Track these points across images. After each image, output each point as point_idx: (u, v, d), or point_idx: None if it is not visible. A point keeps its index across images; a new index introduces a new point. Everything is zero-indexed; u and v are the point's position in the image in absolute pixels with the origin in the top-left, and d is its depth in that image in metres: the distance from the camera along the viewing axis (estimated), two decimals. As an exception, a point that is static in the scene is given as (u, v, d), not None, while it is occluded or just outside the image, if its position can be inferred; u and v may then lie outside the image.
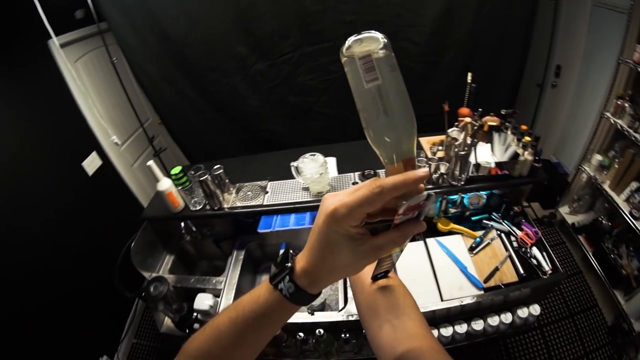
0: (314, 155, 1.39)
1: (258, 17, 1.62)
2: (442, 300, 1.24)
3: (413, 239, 1.50)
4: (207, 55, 1.70)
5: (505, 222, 1.41)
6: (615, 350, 1.25)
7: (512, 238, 1.36)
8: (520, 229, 1.37)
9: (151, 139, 2.23)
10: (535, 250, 1.31)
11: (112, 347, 1.99)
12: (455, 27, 1.64)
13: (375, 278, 0.54)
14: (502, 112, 1.35)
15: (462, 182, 1.32)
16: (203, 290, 1.48)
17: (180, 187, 1.45)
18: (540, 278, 1.23)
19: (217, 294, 1.46)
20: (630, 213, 1.35)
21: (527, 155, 1.24)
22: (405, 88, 0.34)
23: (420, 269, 1.35)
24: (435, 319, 1.27)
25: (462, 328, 1.25)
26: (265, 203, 1.45)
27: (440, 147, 1.50)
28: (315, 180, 1.37)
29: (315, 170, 1.34)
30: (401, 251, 0.45)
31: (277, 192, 1.50)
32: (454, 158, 1.30)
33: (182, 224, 1.53)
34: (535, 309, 1.25)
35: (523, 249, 1.32)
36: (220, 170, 1.47)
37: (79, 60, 1.96)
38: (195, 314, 1.46)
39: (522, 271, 1.26)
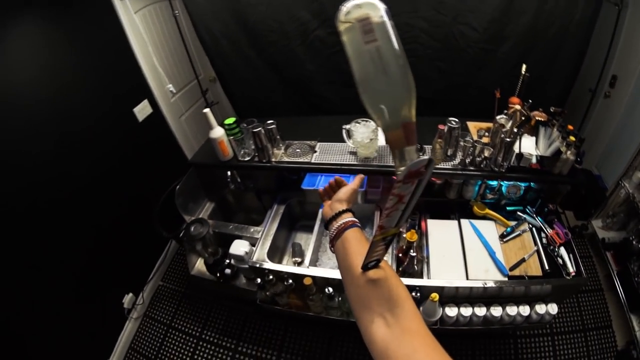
0: (366, 121, 1.44)
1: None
2: (467, 278, 1.28)
3: (447, 217, 1.54)
4: (269, 16, 1.75)
5: (539, 218, 1.42)
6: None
7: (543, 234, 1.38)
8: (552, 227, 1.39)
9: (204, 92, 2.32)
10: (562, 250, 1.32)
11: (138, 286, 2.11)
12: (515, 18, 1.64)
13: (365, 267, 0.52)
14: (551, 110, 1.37)
15: (503, 170, 1.34)
16: (240, 238, 1.56)
17: (232, 137, 1.52)
18: (563, 278, 1.25)
19: (253, 242, 1.54)
20: None
21: (569, 154, 1.25)
22: (404, 53, 0.34)
23: (451, 246, 1.40)
24: (457, 296, 1.31)
25: (481, 311, 1.28)
26: (312, 161, 1.50)
27: (486, 133, 1.53)
28: (364, 145, 1.42)
29: (367, 135, 1.38)
30: (393, 237, 0.47)
31: (325, 153, 1.55)
32: (498, 144, 1.33)
33: (229, 172, 1.60)
34: (553, 308, 1.27)
35: (551, 247, 1.34)
36: (273, 126, 1.53)
37: (140, 11, 2.02)
38: (228, 260, 1.54)
39: (547, 267, 1.28)
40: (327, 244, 1.63)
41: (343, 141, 1.49)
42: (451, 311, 1.28)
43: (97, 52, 1.76)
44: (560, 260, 1.29)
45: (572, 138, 1.23)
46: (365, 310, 0.51)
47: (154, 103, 2.14)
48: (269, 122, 1.53)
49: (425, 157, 0.34)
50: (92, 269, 1.76)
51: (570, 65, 1.77)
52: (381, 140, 1.57)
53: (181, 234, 1.55)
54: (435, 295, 1.19)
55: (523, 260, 1.30)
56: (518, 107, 1.34)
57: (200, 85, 2.34)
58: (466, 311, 1.28)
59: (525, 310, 1.28)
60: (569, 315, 1.87)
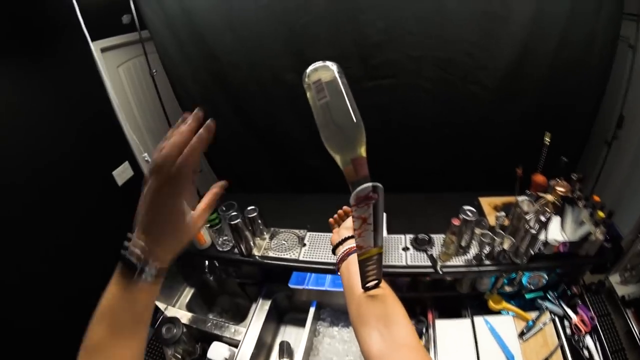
0: None
1: (313, 42, 1.44)
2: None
3: (459, 315, 1.34)
4: (253, 78, 1.55)
5: (561, 302, 1.28)
6: None
7: (566, 323, 1.25)
8: (576, 312, 1.25)
9: None
10: (588, 339, 1.19)
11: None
12: (530, 72, 1.39)
13: (365, 288, 0.56)
14: (574, 177, 1.15)
15: (525, 261, 1.15)
16: (220, 338, 1.35)
17: (208, 225, 1.32)
18: None
19: (234, 343, 1.34)
20: None
21: (598, 235, 1.10)
22: (353, 103, 0.41)
23: (463, 352, 1.20)
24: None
25: None
26: (301, 258, 1.29)
27: (504, 214, 1.29)
28: None
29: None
30: (380, 256, 0.51)
31: (316, 246, 1.35)
32: (521, 233, 1.12)
33: (207, 262, 1.40)
34: None
35: (576, 337, 1.20)
36: (255, 213, 1.32)
37: (124, 64, 1.89)
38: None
39: None
40: (319, 345, 1.41)
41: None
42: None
43: (77, 109, 1.60)
44: (586, 353, 1.17)
45: (601, 214, 1.09)
46: (363, 326, 0.54)
47: (135, 165, 1.98)
48: (250, 208, 1.33)
49: (370, 183, 0.43)
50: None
51: (587, 115, 1.53)
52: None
53: (153, 334, 1.36)
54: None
55: None
56: (550, 197, 1.10)
57: None
58: None
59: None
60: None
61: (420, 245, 1.28)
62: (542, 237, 1.14)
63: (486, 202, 1.45)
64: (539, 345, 1.20)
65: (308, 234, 1.39)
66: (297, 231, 1.41)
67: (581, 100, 1.47)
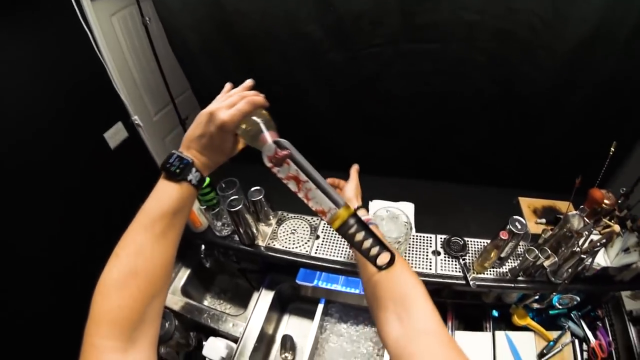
0: (397, 214, 1.00)
1: (342, -15, 1.13)
2: None
3: (480, 325, 1.22)
4: (264, 29, 1.25)
5: (583, 323, 1.22)
6: None
7: (585, 346, 1.20)
8: (595, 336, 1.20)
9: (184, 120, 1.88)
10: None
11: None
12: (594, 62, 1.15)
13: (379, 268, 0.48)
14: (622, 191, 0.99)
15: (564, 281, 1.00)
16: (216, 332, 1.22)
17: (204, 206, 1.14)
18: None
19: (233, 338, 1.21)
20: None
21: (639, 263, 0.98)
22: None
23: None
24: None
25: None
26: (313, 253, 1.10)
27: (544, 221, 1.21)
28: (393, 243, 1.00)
29: (395, 234, 0.95)
30: (359, 220, 0.47)
31: (332, 240, 1.15)
32: (566, 252, 0.97)
33: (203, 246, 1.23)
34: None
35: None
36: (260, 196, 1.12)
37: (118, 13, 1.63)
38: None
39: None
40: (324, 343, 1.28)
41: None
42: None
43: (60, 62, 1.40)
44: None
45: (616, 229, 0.95)
46: (380, 310, 0.51)
47: (129, 126, 1.76)
48: (254, 189, 1.13)
49: (272, 143, 0.46)
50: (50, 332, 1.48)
51: (636, 122, 1.31)
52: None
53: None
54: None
55: None
56: (617, 227, 0.91)
57: (178, 113, 1.87)
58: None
59: None
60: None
61: (454, 250, 1.08)
62: (589, 261, 0.98)
63: (526, 204, 1.31)
64: None
65: (322, 223, 1.20)
66: (309, 218, 1.21)
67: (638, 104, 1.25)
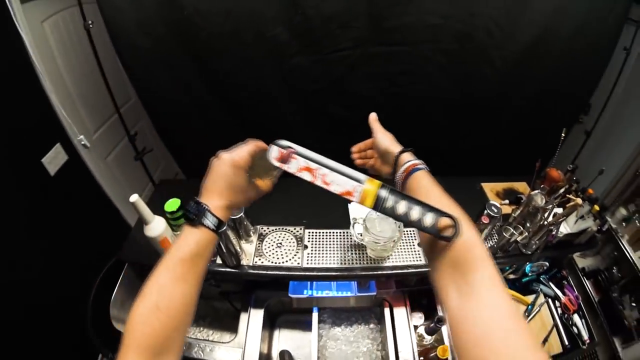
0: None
1: (311, -13, 1.11)
2: None
3: None
4: (227, 32, 1.16)
5: (552, 284, 1.36)
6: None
7: (557, 303, 1.34)
8: (564, 293, 1.35)
9: (133, 136, 1.68)
10: (576, 318, 1.30)
11: None
12: (540, 59, 1.34)
13: (445, 239, 0.43)
14: (570, 168, 1.13)
15: (533, 250, 1.15)
16: None
17: (178, 231, 1.04)
18: (580, 348, 1.23)
19: None
20: None
21: (594, 227, 1.17)
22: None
23: None
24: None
25: None
26: (305, 265, 1.06)
27: (507, 202, 1.33)
28: (380, 249, 1.00)
29: (388, 234, 0.95)
30: (388, 188, 0.47)
31: (321, 247, 1.12)
32: (534, 226, 1.09)
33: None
34: None
35: (566, 316, 1.30)
36: (240, 214, 1.05)
37: (50, 19, 1.39)
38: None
39: (567, 342, 1.23)
40: (323, 351, 1.25)
41: (341, 221, 1.12)
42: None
43: None
44: (575, 329, 1.27)
45: (597, 208, 1.15)
46: (438, 277, 0.46)
47: (69, 147, 1.54)
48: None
49: (273, 145, 0.50)
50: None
51: (577, 108, 1.65)
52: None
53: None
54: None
55: (546, 340, 1.23)
56: (579, 200, 1.04)
57: (125, 126, 1.67)
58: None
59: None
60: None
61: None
62: (557, 231, 1.13)
63: (488, 188, 1.42)
64: (537, 327, 1.25)
65: (307, 231, 1.16)
66: (292, 229, 1.17)
67: (580, 89, 1.52)
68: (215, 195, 0.53)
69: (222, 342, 1.17)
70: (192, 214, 0.51)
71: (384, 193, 0.45)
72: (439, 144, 1.57)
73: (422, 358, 1.09)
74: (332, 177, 0.47)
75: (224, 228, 0.54)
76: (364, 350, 1.25)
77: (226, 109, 1.40)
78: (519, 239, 1.11)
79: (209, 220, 0.51)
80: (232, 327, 1.32)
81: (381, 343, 1.26)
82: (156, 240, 1.01)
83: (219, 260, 1.08)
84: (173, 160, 1.76)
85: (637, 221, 1.57)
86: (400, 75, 1.31)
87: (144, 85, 1.39)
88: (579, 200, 1.02)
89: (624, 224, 1.65)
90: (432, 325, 1.09)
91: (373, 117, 0.74)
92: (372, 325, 1.32)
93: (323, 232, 1.16)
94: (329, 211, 1.19)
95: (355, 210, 1.20)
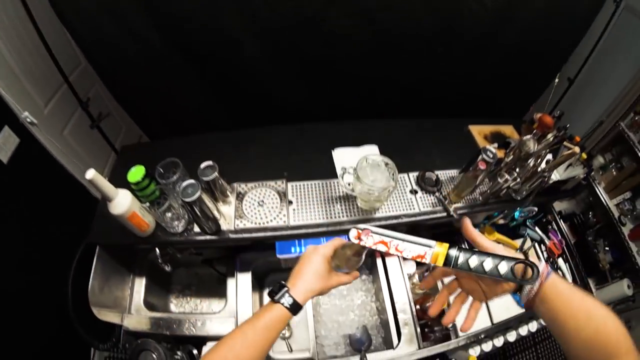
0: (378, 160, 0.92)
1: None
2: (492, 323, 1.15)
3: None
4: None
5: (537, 229, 1.38)
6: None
7: (543, 247, 1.36)
8: (549, 237, 1.37)
9: (85, 103, 1.47)
10: (561, 262, 1.33)
11: None
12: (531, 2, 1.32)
13: (524, 282, 0.48)
14: (557, 114, 1.11)
15: (524, 196, 1.13)
16: (205, 339, 1.07)
17: (147, 203, 0.92)
18: None
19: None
20: (619, 218, 1.46)
21: (582, 175, 1.17)
22: None
23: None
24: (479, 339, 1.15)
25: (499, 341, 1.16)
26: (292, 223, 0.99)
27: (500, 150, 1.25)
28: (373, 199, 0.93)
29: (382, 184, 0.88)
30: (455, 247, 0.53)
31: (306, 201, 1.04)
32: (528, 173, 1.06)
33: (157, 250, 1.02)
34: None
35: (551, 260, 1.32)
36: (214, 174, 0.94)
37: None
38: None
39: None
40: (317, 308, 1.23)
41: (325, 171, 1.06)
42: (474, 351, 1.15)
43: None
44: (560, 273, 1.30)
45: (584, 156, 1.14)
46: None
47: (18, 128, 1.33)
48: (204, 166, 0.94)
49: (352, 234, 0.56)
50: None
51: (561, 54, 1.64)
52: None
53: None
54: (473, 358, 1.09)
55: None
56: (577, 148, 0.99)
57: (75, 94, 1.47)
58: (487, 346, 1.15)
59: (533, 326, 1.20)
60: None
61: (428, 185, 1.07)
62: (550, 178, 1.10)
63: (476, 131, 1.37)
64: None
65: (290, 185, 1.07)
66: (273, 183, 1.07)
67: (565, 37, 1.52)
68: (299, 279, 0.61)
69: (213, 313, 1.11)
70: (275, 293, 0.60)
71: (453, 252, 0.51)
72: (423, 84, 1.51)
73: (418, 306, 1.09)
74: (404, 246, 0.54)
75: (300, 310, 0.60)
76: (359, 303, 1.24)
77: (184, 60, 1.24)
78: (511, 184, 1.07)
79: (285, 300, 0.58)
80: (219, 292, 1.28)
81: (375, 294, 1.25)
82: (123, 217, 0.90)
83: (196, 229, 0.98)
84: (134, 124, 1.59)
85: (613, 170, 1.66)
86: (379, 12, 1.19)
87: (90, 43, 1.21)
88: (577, 149, 0.98)
89: (600, 171, 1.72)
90: (426, 274, 1.07)
91: (470, 230, 0.59)
92: (363, 277, 1.30)
93: (308, 184, 1.07)
94: (310, 161, 1.11)
95: (342, 159, 1.11)
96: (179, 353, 1.08)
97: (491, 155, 0.94)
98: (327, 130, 1.26)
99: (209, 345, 1.05)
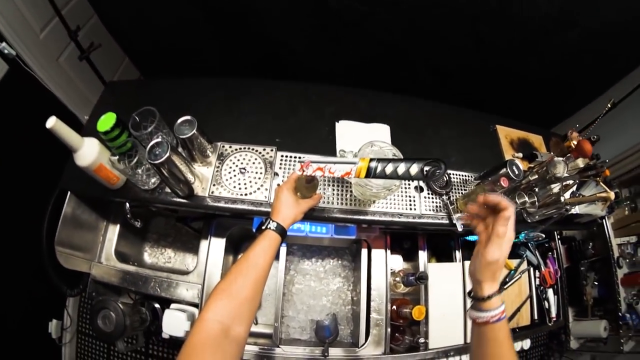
0: (386, 150, 0.77)
1: None
2: (465, 342, 1.08)
3: (449, 254, 1.22)
4: None
5: (537, 253, 1.32)
6: (546, 352, 1.44)
7: (537, 273, 1.32)
8: (546, 264, 1.32)
9: (74, 32, 1.27)
10: (550, 293, 1.30)
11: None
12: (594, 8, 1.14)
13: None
14: (592, 139, 1.01)
15: (536, 220, 1.02)
16: (170, 300, 1.03)
17: (117, 155, 0.81)
18: (545, 325, 1.26)
19: (193, 304, 1.03)
20: (618, 260, 1.39)
21: (601, 210, 1.08)
22: None
23: (452, 299, 1.11)
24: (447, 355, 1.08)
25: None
26: (272, 199, 0.87)
27: (523, 161, 1.13)
28: (374, 194, 0.81)
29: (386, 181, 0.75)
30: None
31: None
32: (548, 199, 0.93)
33: (127, 204, 0.93)
34: (526, 344, 1.22)
35: (542, 288, 1.30)
36: (193, 130, 0.81)
37: None
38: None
39: (535, 316, 1.25)
40: (290, 286, 1.18)
41: (324, 146, 0.95)
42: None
43: None
44: (546, 304, 1.28)
45: (612, 195, 0.96)
46: None
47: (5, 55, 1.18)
48: (182, 120, 0.82)
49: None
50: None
51: (616, 72, 1.41)
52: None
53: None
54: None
55: (518, 310, 1.23)
56: (612, 195, 0.89)
57: (65, 24, 1.29)
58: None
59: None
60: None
61: (437, 186, 0.94)
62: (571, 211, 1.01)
63: (503, 134, 1.24)
64: (514, 294, 1.24)
65: (279, 154, 0.94)
66: (261, 150, 0.94)
67: (626, 54, 1.32)
68: (276, 212, 0.71)
69: (181, 274, 1.06)
70: (261, 225, 0.69)
71: (373, 164, 0.62)
72: (456, 68, 1.35)
73: (394, 307, 1.02)
74: (335, 167, 0.64)
75: (285, 234, 0.70)
76: (334, 289, 1.18)
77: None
78: (529, 208, 0.95)
79: (272, 224, 0.68)
80: (195, 248, 1.24)
81: (353, 282, 1.18)
82: (89, 169, 0.80)
83: (167, 189, 0.87)
84: (126, 57, 1.42)
85: (626, 208, 1.56)
86: None
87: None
88: (612, 195, 0.88)
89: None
90: (411, 278, 0.98)
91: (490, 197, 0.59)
92: (345, 263, 1.23)
93: (300, 158, 0.94)
94: (310, 130, 0.98)
95: (346, 134, 0.96)
96: (142, 310, 1.05)
97: (517, 172, 0.80)
98: (335, 95, 1.09)
99: (173, 306, 1.00)
